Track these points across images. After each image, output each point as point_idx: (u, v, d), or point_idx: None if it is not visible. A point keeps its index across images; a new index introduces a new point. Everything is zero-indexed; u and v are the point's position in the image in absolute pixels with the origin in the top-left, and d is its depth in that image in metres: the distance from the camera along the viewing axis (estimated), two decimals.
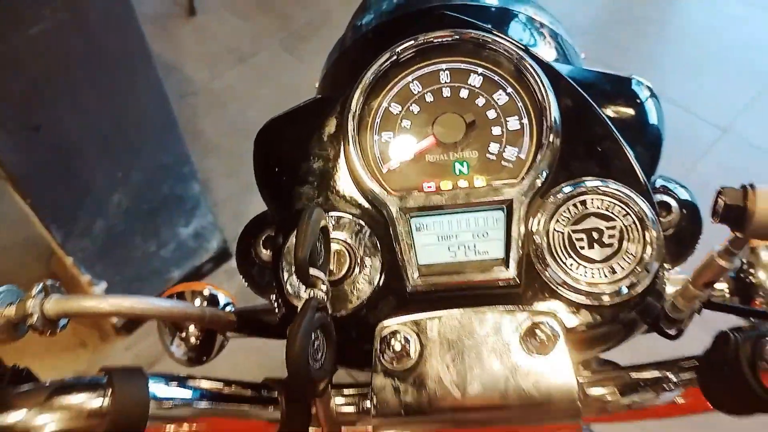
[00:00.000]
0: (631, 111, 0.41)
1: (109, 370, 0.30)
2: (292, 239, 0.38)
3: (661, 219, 0.39)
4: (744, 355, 0.28)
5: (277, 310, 0.40)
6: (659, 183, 0.41)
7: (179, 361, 0.66)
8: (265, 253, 0.43)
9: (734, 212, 0.27)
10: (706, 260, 0.30)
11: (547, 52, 0.48)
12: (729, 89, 2.00)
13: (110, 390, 0.30)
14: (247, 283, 0.44)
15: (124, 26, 1.19)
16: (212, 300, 0.54)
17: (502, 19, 0.49)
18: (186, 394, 0.33)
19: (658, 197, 0.40)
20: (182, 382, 0.33)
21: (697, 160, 1.81)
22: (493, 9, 0.51)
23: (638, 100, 0.41)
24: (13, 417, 0.28)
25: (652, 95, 0.42)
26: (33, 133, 1.14)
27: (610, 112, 0.40)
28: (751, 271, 0.61)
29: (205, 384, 0.34)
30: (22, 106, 1.11)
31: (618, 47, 2.14)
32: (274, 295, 0.40)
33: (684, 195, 0.41)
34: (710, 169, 1.79)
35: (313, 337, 0.30)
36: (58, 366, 1.65)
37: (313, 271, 0.32)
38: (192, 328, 0.65)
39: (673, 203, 0.40)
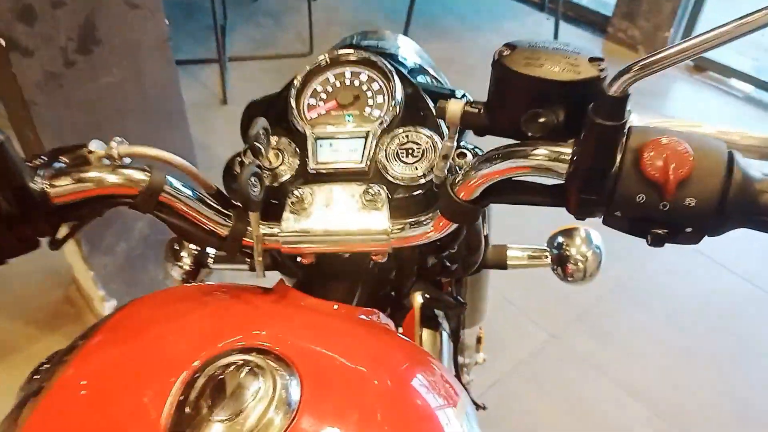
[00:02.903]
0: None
1: (149, 165, 0.60)
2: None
3: (459, 160, 0.68)
4: (449, 183, 0.56)
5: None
6: (463, 143, 0.70)
7: (176, 281, 0.94)
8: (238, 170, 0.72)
9: (441, 111, 0.55)
10: (442, 146, 0.59)
11: (417, 73, 0.81)
12: None
13: (148, 172, 0.59)
14: (227, 192, 0.72)
15: (170, 88, 1.57)
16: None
17: (393, 57, 0.83)
18: (187, 191, 0.61)
19: (460, 150, 0.69)
20: (184, 182, 0.62)
21: None
22: (391, 52, 0.86)
23: (454, 95, 0.72)
24: (95, 174, 0.57)
25: (464, 96, 0.73)
26: None
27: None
28: (567, 247, 0.90)
29: (199, 190, 0.63)
30: (83, 138, 1.46)
31: None
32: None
33: (477, 149, 0.70)
34: None
35: (252, 179, 0.59)
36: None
37: (256, 144, 0.61)
38: (186, 253, 0.93)
39: (468, 153, 0.69)
